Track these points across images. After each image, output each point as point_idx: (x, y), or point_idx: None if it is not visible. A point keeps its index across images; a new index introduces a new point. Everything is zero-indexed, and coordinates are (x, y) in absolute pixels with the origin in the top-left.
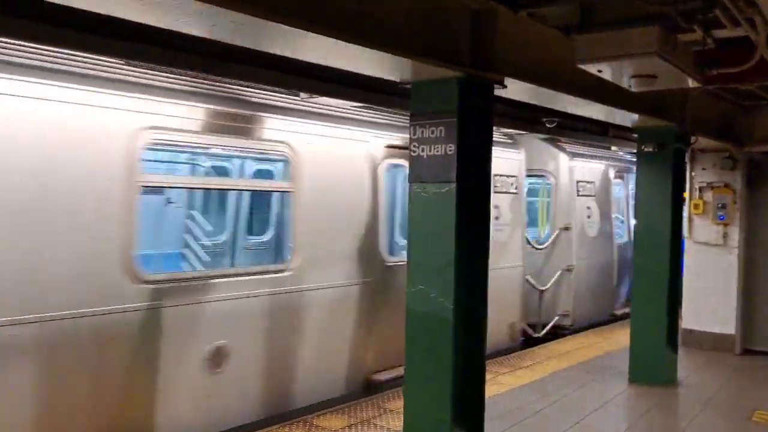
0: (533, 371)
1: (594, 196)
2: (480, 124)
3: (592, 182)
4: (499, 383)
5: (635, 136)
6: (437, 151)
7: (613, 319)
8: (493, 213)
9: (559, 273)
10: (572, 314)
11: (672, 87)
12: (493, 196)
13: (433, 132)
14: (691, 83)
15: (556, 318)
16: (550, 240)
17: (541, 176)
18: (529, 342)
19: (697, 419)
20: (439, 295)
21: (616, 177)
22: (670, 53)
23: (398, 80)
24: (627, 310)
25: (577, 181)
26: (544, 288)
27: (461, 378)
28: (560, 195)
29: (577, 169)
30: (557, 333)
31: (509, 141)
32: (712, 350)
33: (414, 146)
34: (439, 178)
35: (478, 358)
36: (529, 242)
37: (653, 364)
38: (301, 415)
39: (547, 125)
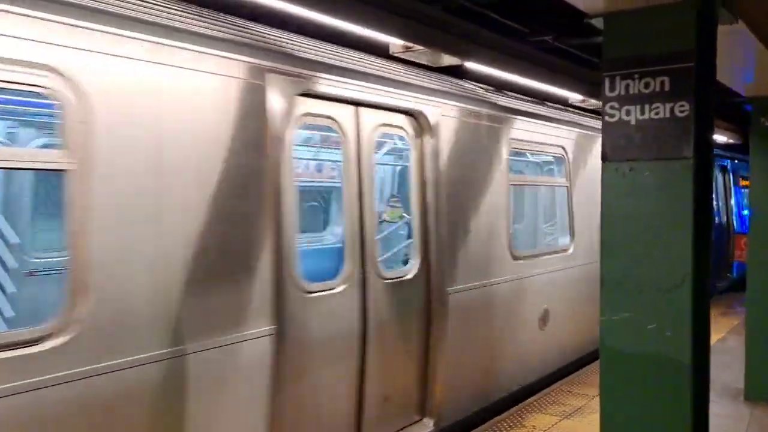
0: None
1: None
2: (713, 74)
3: None
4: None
5: None
6: (656, 113)
7: None
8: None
9: None
10: None
11: None
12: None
13: (648, 86)
14: None
15: None
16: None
17: None
18: None
19: None
20: (664, 326)
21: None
22: None
23: (585, 10)
24: None
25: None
26: None
27: None
28: None
29: None
30: None
31: None
32: None
33: (612, 108)
34: (661, 152)
35: (706, 415)
36: None
37: None
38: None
39: None
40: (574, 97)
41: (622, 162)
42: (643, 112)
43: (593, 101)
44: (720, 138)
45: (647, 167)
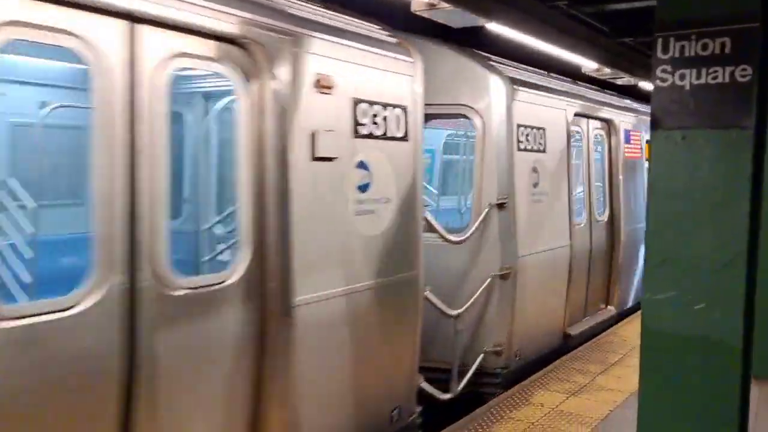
0: (624, 381)
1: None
2: None
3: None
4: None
5: None
6: (713, 78)
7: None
8: (358, 177)
9: (488, 281)
10: (507, 349)
11: None
12: (358, 143)
13: (706, 47)
14: None
15: (480, 357)
16: (476, 224)
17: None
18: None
19: None
20: (714, 306)
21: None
22: None
23: None
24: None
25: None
26: (458, 311)
27: None
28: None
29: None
30: (479, 383)
31: (391, 40)
32: None
33: (664, 71)
34: (717, 120)
35: (748, 398)
36: (434, 229)
37: None
38: None
39: None
40: (588, 65)
41: (674, 130)
42: (699, 77)
43: (607, 70)
44: None
45: (701, 135)
